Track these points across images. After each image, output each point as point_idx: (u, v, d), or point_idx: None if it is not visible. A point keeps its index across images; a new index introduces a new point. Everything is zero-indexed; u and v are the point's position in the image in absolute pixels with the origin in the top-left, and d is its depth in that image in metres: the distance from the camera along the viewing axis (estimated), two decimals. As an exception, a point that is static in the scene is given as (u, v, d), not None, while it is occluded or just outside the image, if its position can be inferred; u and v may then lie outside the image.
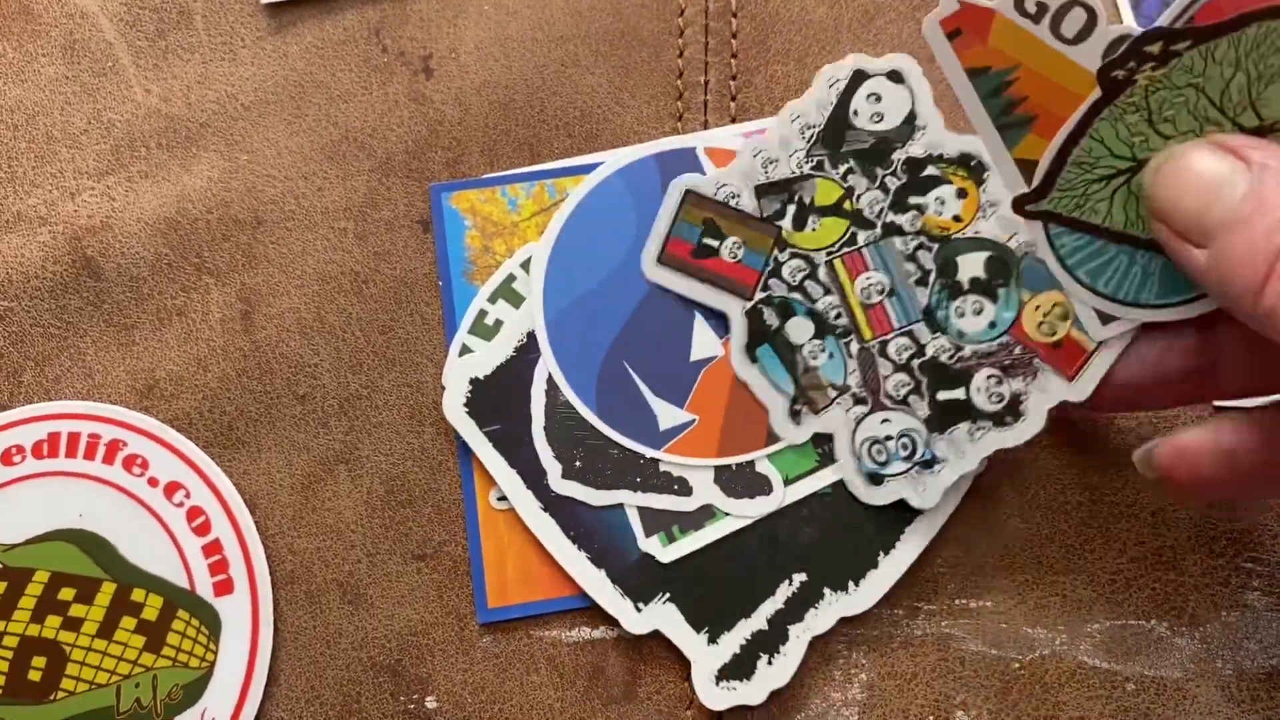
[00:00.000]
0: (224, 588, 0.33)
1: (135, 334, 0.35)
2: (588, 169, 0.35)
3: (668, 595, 0.32)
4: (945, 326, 0.32)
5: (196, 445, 0.34)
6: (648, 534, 0.33)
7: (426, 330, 0.35)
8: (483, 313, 0.34)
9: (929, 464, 0.31)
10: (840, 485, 0.32)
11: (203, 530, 0.33)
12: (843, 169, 0.32)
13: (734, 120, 0.36)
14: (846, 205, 0.32)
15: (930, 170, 0.32)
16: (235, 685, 0.33)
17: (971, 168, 0.31)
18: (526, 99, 0.36)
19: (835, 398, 0.32)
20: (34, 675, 0.32)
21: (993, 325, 0.31)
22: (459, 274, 0.35)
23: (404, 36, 0.37)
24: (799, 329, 0.32)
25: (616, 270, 0.34)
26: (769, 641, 0.32)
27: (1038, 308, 0.31)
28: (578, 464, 0.33)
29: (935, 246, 0.32)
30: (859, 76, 0.32)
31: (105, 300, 0.35)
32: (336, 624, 0.33)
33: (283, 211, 0.36)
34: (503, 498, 0.33)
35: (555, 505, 0.33)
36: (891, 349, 0.32)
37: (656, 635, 0.32)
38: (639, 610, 0.32)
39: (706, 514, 0.33)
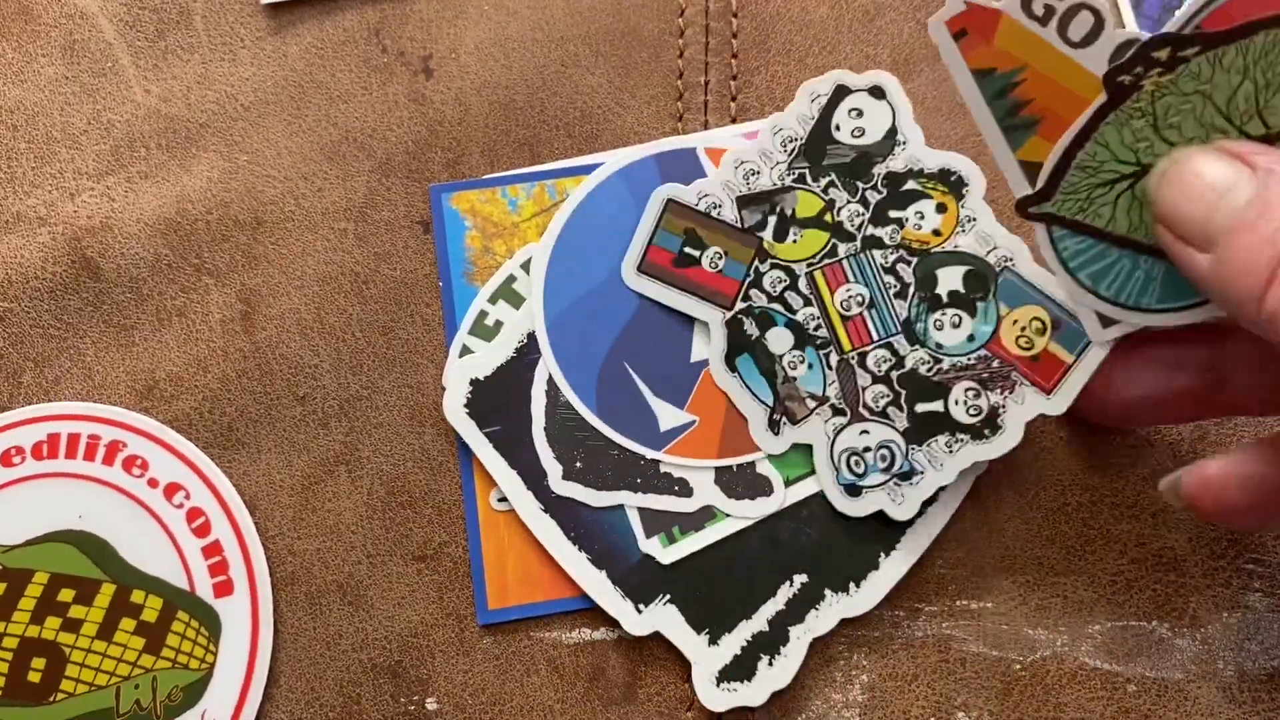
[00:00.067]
0: (224, 589, 0.33)
1: (135, 335, 0.35)
2: (588, 169, 0.35)
3: (668, 596, 0.32)
4: (924, 339, 0.32)
5: (196, 446, 0.34)
6: (648, 535, 0.33)
7: (427, 331, 0.35)
8: (483, 313, 0.34)
9: (907, 475, 0.32)
10: (841, 486, 0.33)
11: (202, 531, 0.33)
12: (824, 182, 0.33)
13: (734, 120, 0.36)
14: (827, 218, 0.33)
15: (910, 185, 0.32)
16: (235, 687, 0.33)
17: (951, 183, 0.32)
18: (527, 99, 0.36)
19: (814, 408, 0.32)
20: (33, 676, 0.32)
21: (971, 339, 0.32)
22: (459, 275, 0.35)
23: (404, 37, 0.37)
24: (779, 339, 0.32)
25: (617, 271, 0.34)
26: (770, 643, 0.32)
27: (1015, 322, 0.31)
28: (578, 465, 0.33)
29: (914, 260, 0.32)
30: (841, 91, 0.33)
31: (105, 301, 0.35)
32: (336, 625, 0.33)
33: (283, 212, 0.36)
34: (503, 499, 0.33)
35: (556, 506, 0.33)
36: (871, 360, 0.32)
37: (657, 636, 0.32)
38: (639, 611, 0.32)
39: (707, 515, 0.33)
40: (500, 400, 0.33)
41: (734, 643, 0.32)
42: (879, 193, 0.32)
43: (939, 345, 0.32)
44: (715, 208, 0.33)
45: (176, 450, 0.34)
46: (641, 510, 0.33)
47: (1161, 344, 0.30)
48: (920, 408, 0.32)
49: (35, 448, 0.34)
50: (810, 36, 0.36)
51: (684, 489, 0.33)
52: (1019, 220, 0.34)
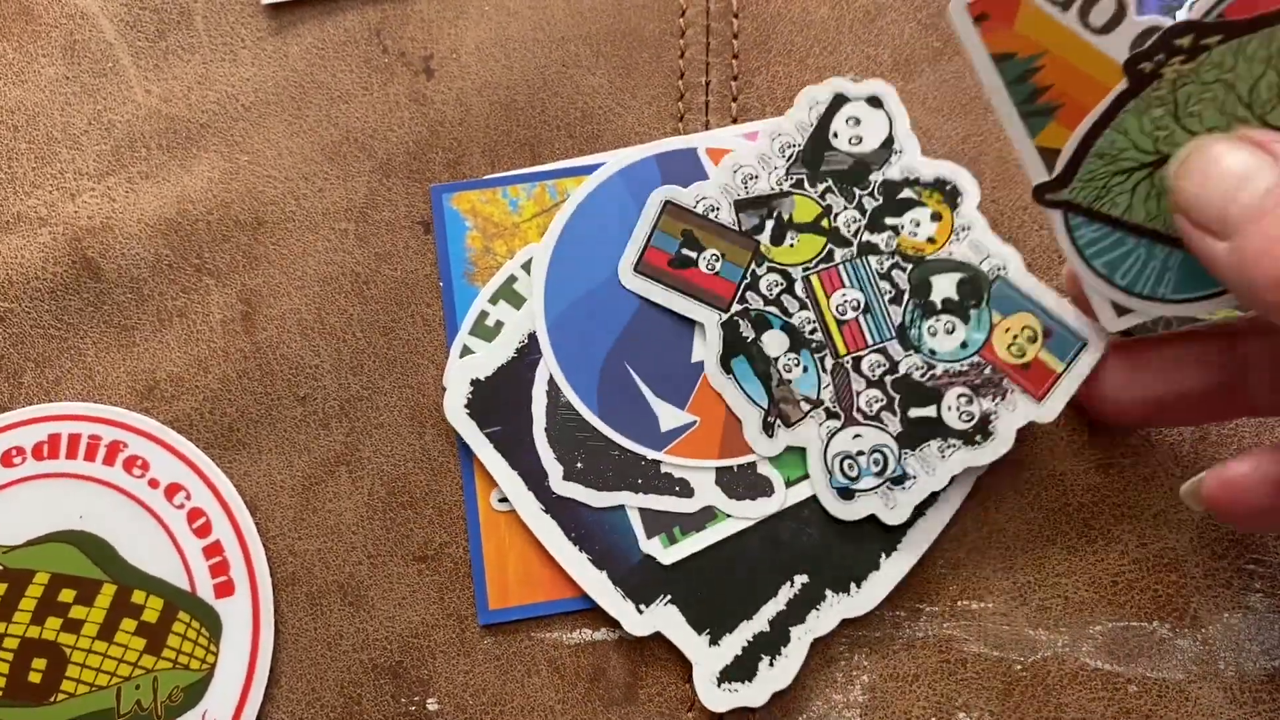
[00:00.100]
0: (225, 589, 0.33)
1: (136, 335, 0.35)
2: (589, 170, 0.35)
3: (669, 597, 0.32)
4: (918, 345, 0.32)
5: (197, 446, 0.34)
6: (649, 535, 0.33)
7: (427, 331, 0.35)
8: (484, 314, 0.34)
9: (900, 480, 0.32)
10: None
11: (203, 532, 0.33)
12: (821, 188, 0.33)
13: (735, 121, 0.36)
14: (824, 223, 0.33)
15: (906, 193, 0.33)
16: (236, 687, 0.33)
17: (946, 192, 0.33)
18: (527, 99, 0.36)
19: (808, 411, 0.32)
20: (34, 677, 0.32)
21: (964, 345, 0.32)
22: (460, 275, 0.35)
23: (405, 37, 0.37)
24: (774, 342, 0.32)
25: (617, 272, 0.34)
26: (770, 643, 0.32)
27: (1007, 330, 0.32)
28: (579, 465, 0.33)
29: (909, 266, 0.33)
30: (839, 100, 0.33)
31: (106, 301, 0.35)
32: (337, 626, 0.33)
33: (283, 212, 0.36)
34: (504, 499, 0.33)
35: (556, 507, 0.33)
36: (865, 365, 0.32)
37: (658, 637, 0.32)
38: (640, 612, 0.32)
39: (708, 515, 0.33)
40: (501, 401, 0.33)
41: (735, 643, 0.32)
42: (875, 200, 0.33)
43: (933, 351, 0.32)
44: (713, 211, 0.33)
45: (177, 451, 0.34)
46: (642, 511, 0.33)
47: (1175, 344, 0.30)
48: (913, 413, 0.32)
49: (36, 448, 0.34)
50: (811, 37, 0.36)
51: (685, 489, 0.33)
52: (1011, 230, 0.35)
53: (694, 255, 0.33)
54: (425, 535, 0.34)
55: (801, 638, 0.32)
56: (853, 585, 0.32)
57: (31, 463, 0.33)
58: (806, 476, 0.33)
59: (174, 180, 0.36)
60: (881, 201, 0.33)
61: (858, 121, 0.33)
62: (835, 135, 0.33)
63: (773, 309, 0.33)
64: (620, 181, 0.34)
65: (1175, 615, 0.32)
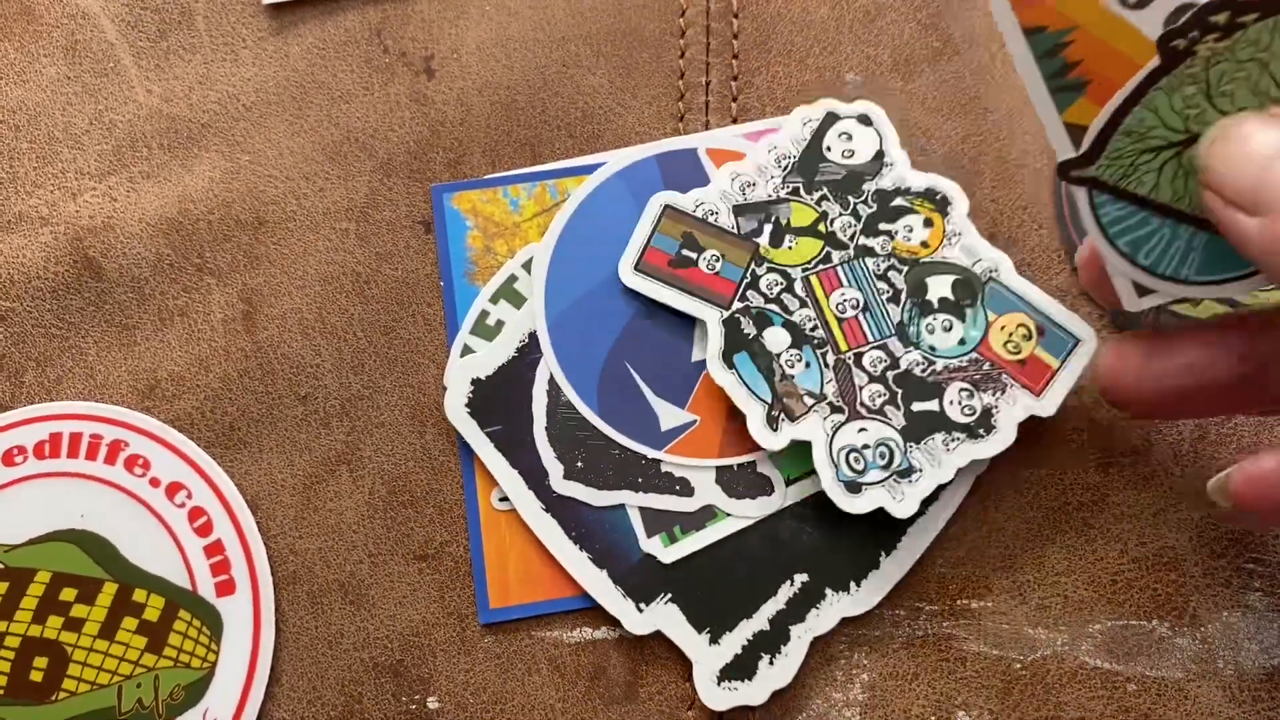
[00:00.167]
0: (226, 588, 0.33)
1: (137, 334, 0.35)
2: (589, 169, 0.35)
3: (669, 595, 0.32)
4: (917, 341, 0.33)
5: (198, 446, 0.34)
6: (649, 534, 0.33)
7: (428, 331, 0.35)
8: (484, 313, 0.34)
9: (906, 473, 0.32)
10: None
11: (204, 531, 0.33)
12: (816, 195, 0.34)
13: (735, 121, 0.36)
14: (821, 227, 0.34)
15: (898, 201, 0.34)
16: (237, 686, 0.33)
17: (936, 201, 0.34)
18: (528, 99, 0.36)
19: (812, 406, 0.32)
20: (35, 676, 0.32)
21: (962, 342, 0.33)
22: (460, 274, 0.35)
23: (405, 37, 0.37)
24: (776, 339, 0.33)
25: (617, 271, 0.34)
26: (770, 642, 0.32)
27: (1003, 328, 0.32)
28: (579, 464, 0.33)
29: (905, 268, 0.33)
30: (830, 118, 0.35)
31: (107, 301, 0.35)
32: (338, 624, 0.33)
33: (284, 212, 0.36)
34: (504, 498, 0.33)
35: (557, 506, 0.33)
36: (867, 360, 0.32)
37: (658, 635, 0.32)
38: (640, 610, 0.32)
39: (708, 514, 0.33)
40: (501, 400, 0.33)
41: (735, 642, 0.32)
42: (869, 207, 0.34)
43: (932, 348, 0.33)
44: (712, 215, 0.33)
45: (178, 450, 0.34)
46: (642, 510, 0.33)
47: (1199, 334, 0.29)
48: (917, 407, 0.32)
49: (37, 447, 0.34)
50: (811, 37, 0.36)
51: (685, 488, 0.33)
52: (1011, 230, 0.35)
53: (694, 255, 0.33)
54: (426, 534, 0.34)
55: (801, 636, 0.32)
56: (852, 584, 0.32)
57: (33, 462, 0.34)
58: (806, 475, 0.33)
59: (175, 180, 0.36)
60: (875, 208, 0.34)
61: (849, 137, 0.34)
62: (828, 149, 0.34)
63: (773, 307, 0.33)
64: (620, 181, 0.35)
65: (1174, 614, 0.32)
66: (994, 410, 0.32)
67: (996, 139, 0.35)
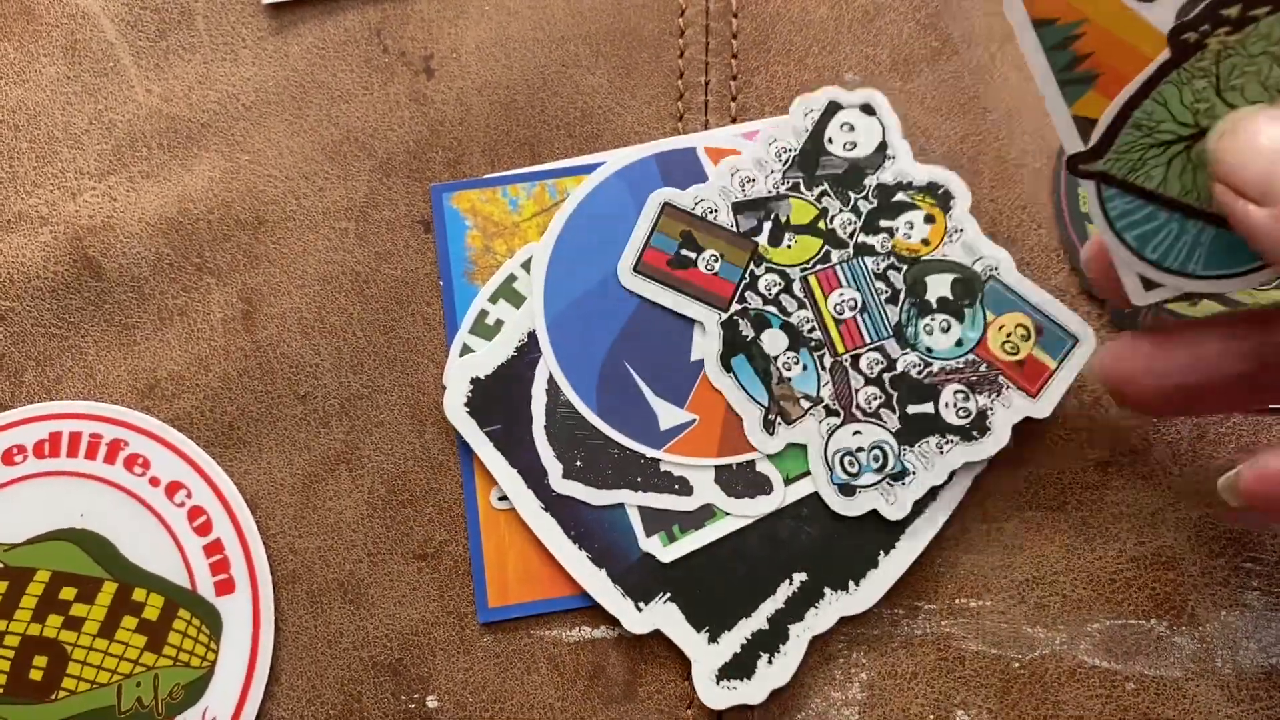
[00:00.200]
0: (225, 587, 0.33)
1: (136, 334, 0.35)
2: (589, 169, 0.35)
3: (668, 595, 0.32)
4: (914, 343, 0.33)
5: (198, 445, 0.34)
6: (648, 533, 0.33)
7: (428, 330, 0.35)
8: (484, 313, 0.34)
9: (899, 476, 0.32)
10: (840, 485, 0.33)
11: (204, 530, 0.33)
12: (817, 191, 0.34)
13: (734, 120, 0.36)
14: (820, 225, 0.34)
15: (900, 196, 0.34)
16: (236, 684, 0.33)
17: (938, 195, 0.33)
18: (527, 99, 0.36)
19: (808, 409, 0.32)
20: (35, 675, 0.32)
21: (959, 343, 0.33)
22: (460, 274, 0.35)
23: (405, 37, 0.37)
24: (774, 341, 0.33)
25: (617, 270, 0.34)
26: (769, 641, 0.32)
27: (1001, 328, 0.32)
28: (578, 464, 0.33)
29: (905, 267, 0.33)
30: (833, 107, 0.34)
31: (107, 300, 0.35)
32: (337, 623, 0.33)
33: (284, 211, 0.36)
34: (503, 497, 0.33)
35: (556, 505, 0.33)
36: (863, 362, 0.33)
37: (657, 634, 0.32)
38: (639, 609, 0.32)
39: (707, 513, 0.33)
40: (501, 399, 0.33)
41: (734, 641, 0.32)
42: (870, 202, 0.34)
43: (929, 349, 0.33)
44: (711, 212, 0.33)
45: (178, 449, 0.34)
46: (642, 509, 0.33)
47: (1206, 330, 0.29)
48: (911, 409, 0.32)
49: (37, 446, 0.34)
50: (810, 37, 0.36)
51: (684, 487, 0.33)
52: (1010, 230, 0.35)
53: (693, 256, 0.33)
54: (425, 533, 0.34)
55: (800, 635, 0.32)
56: (851, 583, 0.32)
57: (33, 461, 0.34)
58: (805, 474, 0.33)
59: (175, 179, 0.36)
60: (876, 204, 0.34)
61: (852, 128, 0.34)
62: (830, 141, 0.34)
63: (771, 308, 0.33)
64: (620, 181, 0.35)
65: (1173, 613, 0.32)
66: (989, 412, 0.32)
67: (995, 139, 0.35)
